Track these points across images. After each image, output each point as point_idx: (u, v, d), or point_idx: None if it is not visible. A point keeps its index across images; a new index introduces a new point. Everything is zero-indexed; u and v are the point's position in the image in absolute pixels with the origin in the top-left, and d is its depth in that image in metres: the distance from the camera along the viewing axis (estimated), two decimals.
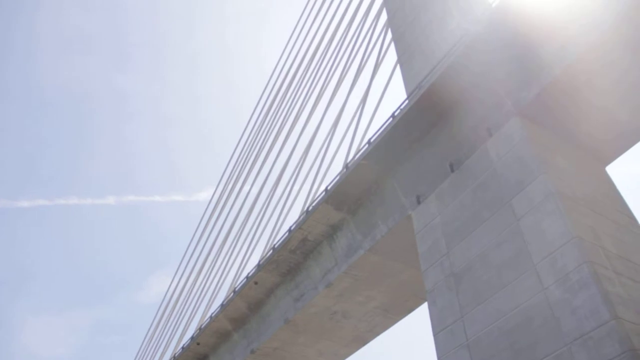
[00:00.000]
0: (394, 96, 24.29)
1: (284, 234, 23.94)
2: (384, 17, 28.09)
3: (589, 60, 14.53)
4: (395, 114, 19.61)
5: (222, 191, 39.79)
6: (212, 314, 28.65)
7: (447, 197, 17.19)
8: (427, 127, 18.61)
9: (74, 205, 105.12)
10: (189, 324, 34.36)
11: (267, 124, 38.32)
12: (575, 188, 14.34)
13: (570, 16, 14.82)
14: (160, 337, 38.89)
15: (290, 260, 23.91)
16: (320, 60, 34.15)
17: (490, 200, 15.41)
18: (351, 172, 20.72)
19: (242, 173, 37.76)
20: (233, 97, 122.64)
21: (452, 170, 17.33)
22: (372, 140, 20.29)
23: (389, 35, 26.46)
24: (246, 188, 35.79)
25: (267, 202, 31.18)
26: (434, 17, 22.41)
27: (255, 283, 25.40)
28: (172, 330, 37.03)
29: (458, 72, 17.39)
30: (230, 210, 36.37)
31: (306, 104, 33.26)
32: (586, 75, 14.86)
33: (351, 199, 21.34)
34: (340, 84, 30.07)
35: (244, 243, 31.32)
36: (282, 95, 38.06)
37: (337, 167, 24.18)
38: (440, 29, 21.34)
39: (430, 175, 18.28)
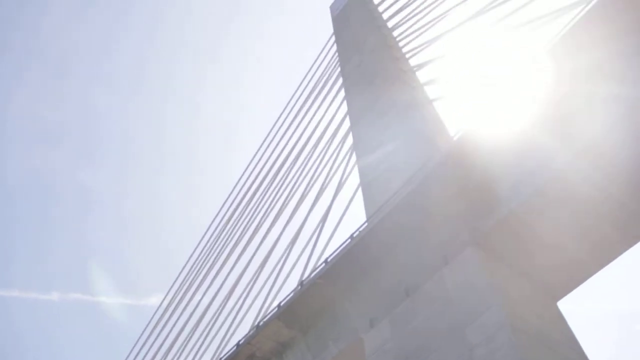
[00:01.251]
0: (354, 217, 24.70)
1: (232, 348, 23.20)
2: (349, 141, 29.09)
3: (544, 195, 15.18)
4: (354, 235, 19.82)
5: (172, 298, 38.80)
6: None
7: (400, 322, 17.08)
8: (385, 250, 18.77)
9: (15, 298, 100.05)
10: None
11: (225, 234, 38.18)
12: (528, 320, 14.46)
13: (526, 152, 15.60)
14: None
15: None
16: (284, 177, 34.83)
17: (444, 328, 15.36)
18: (305, 290, 20.52)
19: (194, 282, 37.04)
20: (194, 204, 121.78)
21: (408, 295, 17.34)
22: (329, 260, 20.33)
23: (354, 158, 27.28)
24: (197, 297, 35.05)
25: (217, 313, 30.49)
26: (398, 145, 23.29)
27: None
28: None
29: (417, 200, 17.87)
30: (178, 319, 35.31)
31: (266, 218, 33.49)
32: (541, 209, 15.46)
33: (303, 317, 20.97)
34: (302, 201, 30.49)
35: (188, 355, 30.26)
36: (243, 208, 38.30)
37: (291, 284, 23.99)
38: (404, 156, 22.10)
39: (385, 299, 18.21)
